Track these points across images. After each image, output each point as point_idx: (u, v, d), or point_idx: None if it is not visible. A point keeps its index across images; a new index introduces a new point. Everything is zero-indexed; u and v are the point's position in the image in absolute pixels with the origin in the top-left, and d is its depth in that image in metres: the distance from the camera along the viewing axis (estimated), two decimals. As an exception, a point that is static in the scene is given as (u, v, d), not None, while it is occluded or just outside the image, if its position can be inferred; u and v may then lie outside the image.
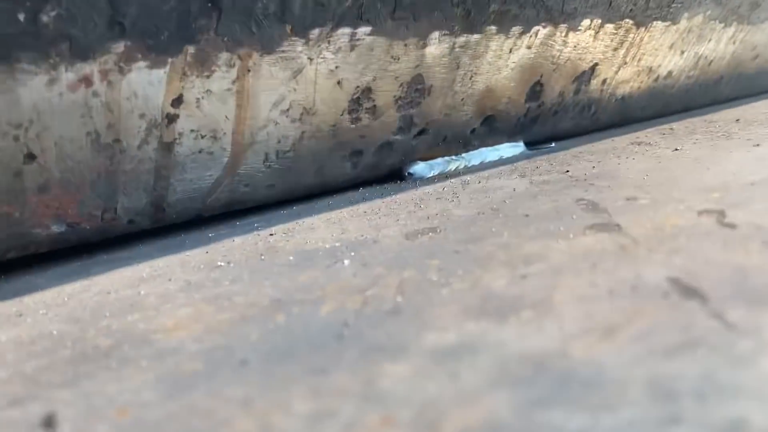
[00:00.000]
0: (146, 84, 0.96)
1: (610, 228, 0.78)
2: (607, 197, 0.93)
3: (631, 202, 0.89)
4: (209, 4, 0.93)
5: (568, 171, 1.22)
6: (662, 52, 1.87)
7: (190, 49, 0.96)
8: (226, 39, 0.98)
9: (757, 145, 1.22)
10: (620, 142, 1.55)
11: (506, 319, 0.56)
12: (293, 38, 1.06)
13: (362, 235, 0.92)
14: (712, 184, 0.94)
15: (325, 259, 0.83)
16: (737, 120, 1.67)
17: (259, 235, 1.04)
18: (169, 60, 0.96)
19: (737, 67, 2.28)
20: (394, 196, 1.21)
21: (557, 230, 0.81)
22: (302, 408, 0.46)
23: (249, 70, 1.04)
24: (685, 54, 1.96)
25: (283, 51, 1.05)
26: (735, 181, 0.94)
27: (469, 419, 0.41)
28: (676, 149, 1.30)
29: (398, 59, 1.23)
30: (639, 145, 1.47)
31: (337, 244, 0.90)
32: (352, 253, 0.84)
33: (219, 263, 0.89)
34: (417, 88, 1.31)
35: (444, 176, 1.41)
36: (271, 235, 1.03)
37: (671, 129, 1.69)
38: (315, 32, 1.07)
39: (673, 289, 0.57)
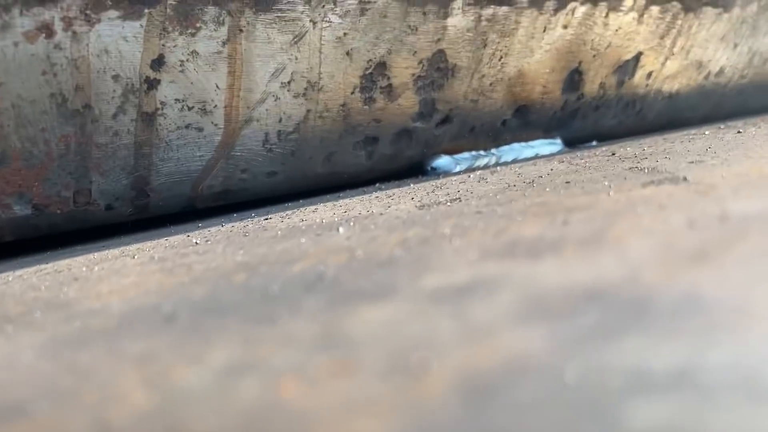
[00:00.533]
0: (119, 38, 0.82)
1: (676, 180, 0.61)
2: (666, 164, 0.76)
3: (696, 164, 0.72)
4: (190, -56, 0.80)
5: (614, 154, 1.05)
6: (713, 44, 1.70)
7: (170, 0, 0.82)
8: (212, -11, 0.85)
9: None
10: (671, 136, 1.38)
11: (541, 257, 0.39)
12: (292, -6, 0.92)
13: (368, 211, 0.77)
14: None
15: (317, 230, 0.68)
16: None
17: (252, 220, 0.89)
18: (146, 11, 0.82)
19: (795, 68, 2.09)
20: (414, 185, 1.05)
21: (607, 188, 0.64)
22: (217, 360, 0.31)
23: (241, 30, 0.90)
24: (739, 48, 1.79)
25: (281, 9, 0.92)
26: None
27: (478, 360, 0.25)
28: (739, 131, 1.12)
29: (416, 30, 1.08)
30: (694, 134, 1.29)
31: (336, 219, 0.74)
32: (351, 223, 0.68)
33: (195, 241, 0.74)
34: (439, 66, 1.17)
35: (470, 172, 1.25)
36: (266, 219, 0.87)
37: (727, 125, 1.51)
38: (318, -11, 0.93)
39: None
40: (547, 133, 1.49)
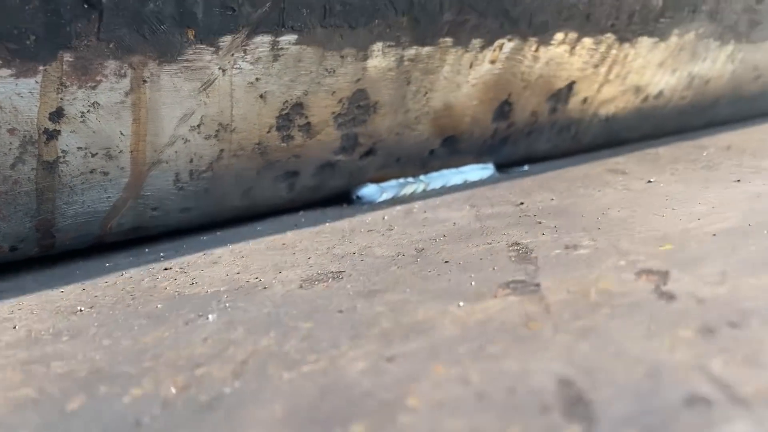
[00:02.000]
0: (13, 95, 0.82)
1: (527, 289, 0.63)
2: (547, 242, 0.78)
3: (568, 252, 0.74)
4: (85, 5, 0.80)
5: (522, 203, 1.07)
6: (651, 70, 1.72)
7: (67, 56, 0.82)
8: (112, 45, 0.85)
9: (738, 180, 1.06)
10: (597, 167, 1.40)
11: (328, 435, 0.41)
12: (199, 46, 0.91)
13: (257, 278, 0.78)
14: (670, 231, 0.79)
15: (192, 311, 0.69)
16: (728, 147, 1.52)
17: (153, 268, 0.90)
18: (41, 68, 0.82)
19: (737, 89, 2.12)
20: (328, 224, 1.07)
21: (468, 287, 0.66)
22: None
23: (145, 81, 0.90)
24: (678, 73, 1.81)
25: (187, 60, 0.92)
26: (697, 229, 0.79)
27: None
28: (650, 181, 1.14)
29: (334, 72, 1.09)
30: (614, 173, 1.31)
31: (222, 289, 0.76)
32: (227, 305, 0.70)
33: (80, 308, 0.75)
34: (360, 104, 1.17)
35: (395, 201, 1.26)
36: (165, 269, 0.89)
37: (657, 153, 1.54)
38: (226, 39, 0.93)
39: (557, 400, 0.42)
40: (478, 159, 1.51)
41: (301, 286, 0.74)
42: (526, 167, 1.57)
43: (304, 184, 1.22)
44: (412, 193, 1.40)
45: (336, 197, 1.33)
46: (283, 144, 1.12)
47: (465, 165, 1.52)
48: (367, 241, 0.92)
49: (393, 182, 1.40)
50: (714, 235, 0.76)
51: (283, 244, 0.97)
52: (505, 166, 1.60)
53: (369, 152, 1.28)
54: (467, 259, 0.76)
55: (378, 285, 0.71)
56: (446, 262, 0.76)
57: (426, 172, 1.45)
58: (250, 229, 1.11)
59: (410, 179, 1.42)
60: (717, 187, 1.05)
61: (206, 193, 1.09)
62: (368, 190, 1.34)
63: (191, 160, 1.03)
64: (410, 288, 0.69)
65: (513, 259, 0.74)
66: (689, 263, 0.67)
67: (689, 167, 1.29)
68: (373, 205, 1.28)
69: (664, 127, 1.97)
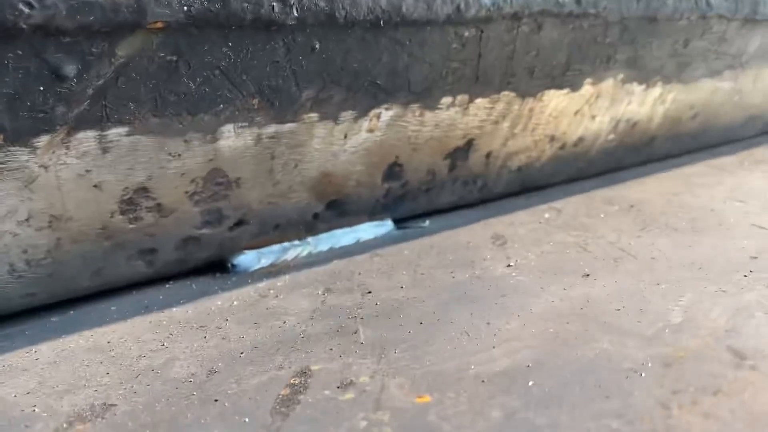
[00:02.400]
0: None
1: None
2: (332, 373, 0.76)
3: (335, 396, 0.72)
4: None
5: (370, 293, 1.05)
6: (566, 120, 1.68)
7: None
8: None
9: (587, 275, 1.03)
10: (487, 229, 1.38)
11: None
12: (10, 148, 0.90)
13: (33, 407, 0.77)
14: (447, 368, 0.76)
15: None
16: (632, 206, 1.48)
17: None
18: None
19: (673, 127, 2.08)
20: (173, 310, 1.06)
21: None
22: None
23: (-48, 185, 0.88)
24: (598, 118, 1.77)
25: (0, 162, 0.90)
26: (475, 367, 0.76)
27: None
28: (509, 265, 1.12)
29: (179, 156, 1.07)
30: (495, 242, 1.29)
31: None
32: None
33: None
34: (218, 181, 1.15)
35: (271, 269, 1.25)
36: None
37: (558, 211, 1.51)
38: (42, 139, 0.92)
39: None
40: (372, 216, 1.49)
41: (56, 429, 0.72)
42: (426, 222, 1.55)
43: (166, 259, 1.20)
44: (296, 257, 1.38)
45: (210, 266, 1.31)
46: (131, 225, 1.10)
47: (358, 224, 1.50)
48: (183, 347, 0.91)
49: (275, 247, 1.38)
50: (483, 381, 0.73)
51: (108, 342, 0.96)
52: (408, 219, 1.58)
53: (239, 223, 1.26)
54: (237, 400, 0.74)
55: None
56: (215, 401, 0.74)
57: (314, 234, 1.43)
58: (100, 312, 1.10)
59: (296, 242, 1.40)
60: (557, 285, 1.02)
61: (50, 277, 1.07)
62: (245, 258, 1.32)
63: (25, 251, 1.02)
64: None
65: (276, 403, 0.72)
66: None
67: (564, 242, 1.26)
68: (245, 276, 1.26)
69: (592, 169, 1.93)
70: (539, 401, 0.69)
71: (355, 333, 0.91)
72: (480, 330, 0.88)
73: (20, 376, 0.88)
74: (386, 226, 1.53)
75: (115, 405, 0.77)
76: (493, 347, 0.82)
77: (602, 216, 1.43)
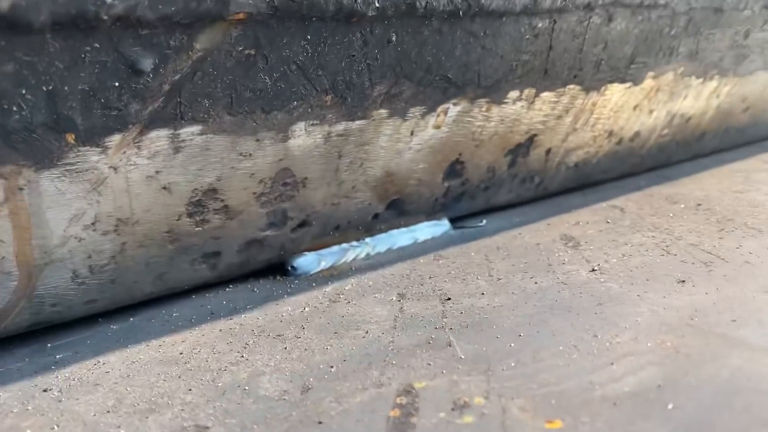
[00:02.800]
0: None
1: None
2: (438, 393, 0.70)
3: (451, 420, 0.66)
4: (-64, 124, 0.72)
5: (449, 299, 0.99)
6: (625, 114, 1.62)
7: None
8: (-24, 159, 0.77)
9: (683, 281, 0.97)
10: (552, 231, 1.32)
11: None
12: (81, 148, 0.84)
13: (119, 428, 0.71)
14: (569, 388, 0.70)
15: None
16: (699, 205, 1.42)
17: (35, 386, 0.84)
18: None
19: (724, 121, 2.02)
20: (242, 317, 1.01)
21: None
22: None
23: (21, 189, 0.83)
24: (655, 113, 1.71)
25: (69, 164, 0.84)
26: (600, 387, 0.70)
27: None
28: (594, 270, 1.06)
29: (250, 156, 1.01)
30: (566, 243, 1.23)
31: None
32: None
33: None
34: (285, 182, 1.09)
35: (332, 273, 1.19)
36: (44, 391, 0.83)
37: (622, 210, 1.45)
38: (114, 139, 0.86)
39: None
40: (430, 216, 1.43)
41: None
42: (483, 222, 1.49)
43: (229, 262, 1.14)
44: (354, 259, 1.32)
45: (270, 268, 1.25)
46: (198, 228, 1.05)
47: (416, 224, 1.44)
48: (265, 359, 0.85)
49: (334, 248, 1.32)
50: (615, 404, 0.67)
51: (180, 353, 0.90)
52: (464, 217, 1.52)
53: (302, 224, 1.20)
54: (342, 421, 0.68)
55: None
56: (320, 423, 0.69)
57: (371, 235, 1.37)
58: (162, 319, 1.04)
59: (354, 243, 1.34)
60: (657, 292, 0.96)
61: (112, 283, 1.02)
62: (305, 260, 1.27)
63: (89, 256, 0.96)
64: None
65: (389, 426, 0.66)
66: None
67: (644, 245, 1.20)
68: (307, 279, 1.20)
69: (644, 165, 1.87)
70: (689, 428, 0.63)
71: (450, 346, 0.85)
72: (589, 344, 0.82)
73: (94, 392, 0.83)
74: (443, 225, 1.48)
75: (209, 427, 0.71)
76: (611, 364, 0.76)
77: (671, 215, 1.37)
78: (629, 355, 0.78)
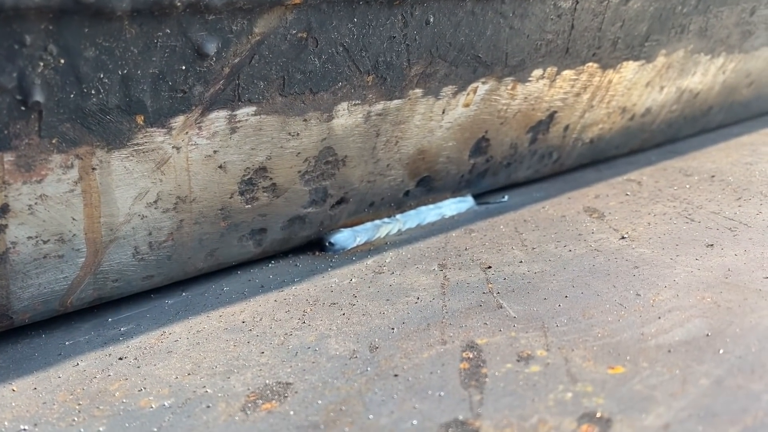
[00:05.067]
0: (-47, 197, 0.80)
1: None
2: (501, 348, 0.76)
3: (518, 370, 0.72)
4: (23, 107, 0.77)
5: (489, 267, 1.05)
6: (637, 91, 1.68)
7: (8, 157, 0.80)
8: (55, 140, 0.82)
9: (711, 245, 1.03)
10: (575, 204, 1.38)
11: None
12: (149, 129, 0.89)
13: (204, 388, 0.77)
14: (625, 338, 0.76)
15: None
16: (713, 176, 1.48)
17: (109, 355, 0.89)
18: (-19, 170, 0.80)
19: (729, 96, 2.08)
20: (293, 288, 1.06)
21: (408, 428, 0.65)
22: None
23: (94, 168, 0.88)
24: (666, 89, 1.77)
25: (137, 144, 0.89)
26: (653, 337, 0.76)
27: None
28: (623, 237, 1.12)
29: (298, 135, 1.06)
30: (591, 215, 1.29)
31: (167, 404, 0.74)
32: (168, 432, 0.69)
33: (23, 427, 0.74)
34: (327, 160, 1.15)
35: (368, 248, 1.24)
36: (120, 359, 0.88)
37: (639, 183, 1.51)
38: (178, 120, 0.91)
39: None
40: (456, 193, 1.49)
41: (243, 409, 0.72)
42: (505, 197, 1.55)
43: (273, 238, 1.20)
44: (387, 235, 1.38)
45: (308, 244, 1.31)
46: (247, 206, 1.10)
47: (442, 200, 1.49)
48: (326, 324, 0.90)
49: (368, 224, 1.38)
50: (669, 351, 0.74)
51: (243, 321, 0.95)
52: (485, 194, 1.57)
53: (341, 201, 1.25)
54: (417, 374, 0.74)
55: (320, 414, 0.70)
56: (396, 375, 0.74)
57: (402, 212, 1.42)
58: (214, 293, 1.09)
59: (386, 220, 1.40)
60: (688, 255, 1.03)
61: (169, 259, 1.07)
62: (341, 236, 1.32)
63: (150, 233, 1.01)
64: (351, 425, 0.67)
65: (462, 377, 0.72)
66: (634, 406, 0.65)
67: (667, 214, 1.26)
68: (345, 254, 1.26)
69: (653, 140, 1.93)
70: (741, 368, 0.70)
71: (501, 308, 0.91)
72: (633, 301, 0.88)
73: (169, 359, 0.88)
74: (468, 201, 1.53)
75: (291, 383, 0.76)
76: (659, 318, 0.82)
77: (688, 187, 1.43)
78: (674, 310, 0.84)
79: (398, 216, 1.42)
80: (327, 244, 1.31)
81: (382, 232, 1.38)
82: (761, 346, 0.72)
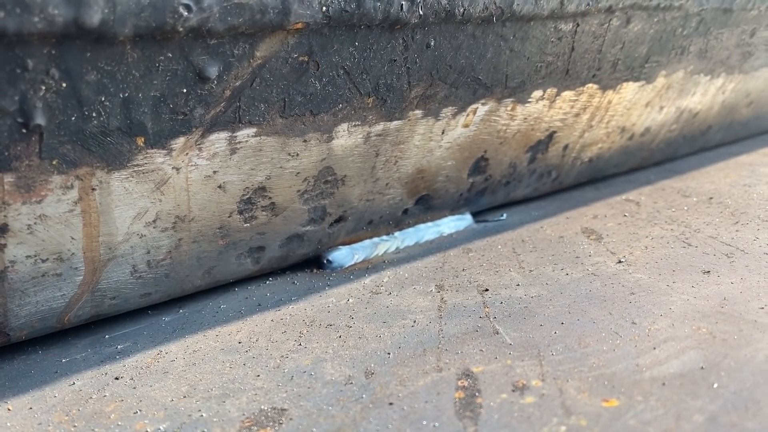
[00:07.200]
0: (-47, 217, 0.80)
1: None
2: (496, 376, 0.76)
3: (514, 400, 0.72)
4: (23, 130, 0.77)
5: (486, 290, 1.05)
6: (636, 111, 1.68)
7: (8, 178, 0.80)
8: (55, 162, 0.82)
9: (707, 272, 1.04)
10: (573, 224, 1.38)
11: None
12: (149, 150, 0.89)
13: (200, 412, 0.77)
14: (620, 370, 0.77)
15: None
16: (711, 198, 1.49)
17: (105, 374, 0.89)
18: (-19, 191, 0.80)
19: (728, 115, 2.09)
20: (290, 307, 1.06)
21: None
22: None
23: (94, 189, 0.88)
24: (665, 109, 1.77)
25: (137, 165, 0.89)
26: (646, 368, 0.77)
27: None
28: (620, 261, 1.12)
29: (297, 155, 1.06)
30: (588, 236, 1.29)
31: (161, 428, 0.74)
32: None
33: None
34: (327, 179, 1.15)
35: (366, 265, 1.25)
36: (116, 378, 0.88)
37: (637, 204, 1.51)
38: (178, 141, 0.91)
39: None
40: (454, 211, 1.49)
41: (239, 433, 0.73)
42: (504, 215, 1.55)
43: (271, 256, 1.20)
44: (385, 252, 1.38)
45: (306, 261, 1.31)
46: (246, 225, 1.10)
47: (441, 218, 1.50)
48: (322, 347, 0.91)
49: (366, 242, 1.38)
50: (663, 384, 0.74)
51: (239, 342, 0.96)
52: (484, 212, 1.58)
53: (339, 220, 1.26)
54: (412, 403, 0.74)
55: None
56: (391, 404, 0.75)
57: (400, 230, 1.43)
58: (211, 310, 1.10)
59: (384, 237, 1.40)
60: (684, 282, 1.03)
61: (166, 277, 1.07)
62: (339, 254, 1.32)
63: (148, 252, 1.01)
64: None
65: (457, 407, 0.73)
66: (629, 438, 0.65)
67: (663, 238, 1.26)
68: (342, 271, 1.26)
69: (652, 159, 1.94)
70: (735, 404, 0.70)
71: (497, 333, 0.91)
72: (629, 330, 0.88)
73: (165, 379, 0.88)
74: (466, 219, 1.54)
75: (286, 409, 0.77)
76: (654, 348, 0.83)
77: (686, 209, 1.44)
78: (669, 340, 0.84)
79: (396, 234, 1.43)
80: (325, 261, 1.32)
81: (381, 250, 1.38)
82: (755, 381, 0.72)
